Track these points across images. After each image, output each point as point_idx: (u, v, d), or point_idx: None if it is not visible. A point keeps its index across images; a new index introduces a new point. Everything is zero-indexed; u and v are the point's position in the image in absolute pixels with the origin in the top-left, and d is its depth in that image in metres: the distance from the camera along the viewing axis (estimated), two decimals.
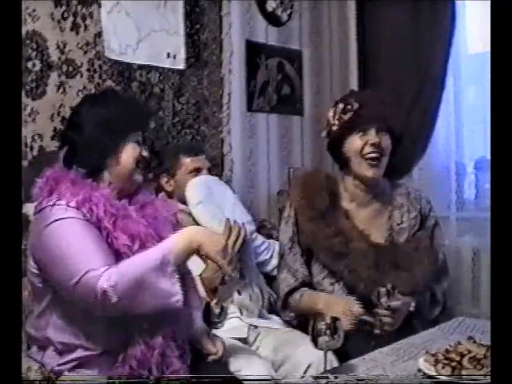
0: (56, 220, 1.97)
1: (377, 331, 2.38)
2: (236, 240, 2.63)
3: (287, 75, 4.19)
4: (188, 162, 3.04)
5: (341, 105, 2.67)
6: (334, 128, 2.67)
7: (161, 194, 2.96)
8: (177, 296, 1.93)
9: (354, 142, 2.61)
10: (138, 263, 1.93)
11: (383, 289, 2.38)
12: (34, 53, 2.92)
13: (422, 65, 4.04)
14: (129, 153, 2.14)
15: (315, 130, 4.14)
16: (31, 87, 2.91)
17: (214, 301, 2.36)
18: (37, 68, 2.94)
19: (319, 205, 2.63)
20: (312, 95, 4.35)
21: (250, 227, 2.87)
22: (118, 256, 1.99)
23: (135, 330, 1.99)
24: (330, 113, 2.70)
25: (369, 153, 2.59)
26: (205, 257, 2.05)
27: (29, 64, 2.90)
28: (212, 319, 2.25)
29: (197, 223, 2.76)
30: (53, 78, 3.00)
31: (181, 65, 3.56)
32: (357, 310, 2.42)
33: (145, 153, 2.18)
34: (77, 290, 1.90)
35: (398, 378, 1.89)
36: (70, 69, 3.06)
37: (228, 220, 2.70)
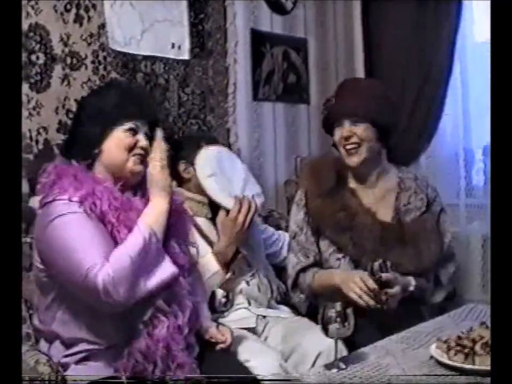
0: (60, 216, 1.95)
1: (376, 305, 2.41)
2: (247, 214, 2.65)
3: (292, 64, 4.17)
4: None
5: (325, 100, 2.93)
6: (323, 120, 2.89)
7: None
8: (171, 269, 1.97)
9: (335, 134, 2.72)
10: (124, 251, 1.92)
11: (376, 264, 2.41)
12: (37, 46, 2.90)
13: (428, 52, 4.01)
14: (115, 142, 2.10)
15: (321, 118, 4.10)
16: (35, 80, 2.89)
17: (229, 274, 2.39)
18: (41, 60, 2.92)
19: (326, 183, 2.71)
20: (318, 83, 4.32)
21: (260, 199, 2.84)
22: None
23: (139, 322, 1.98)
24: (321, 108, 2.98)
25: (344, 144, 2.67)
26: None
27: (33, 57, 2.88)
28: (218, 308, 2.24)
29: (208, 197, 2.76)
30: (57, 70, 2.98)
31: (185, 56, 3.54)
32: (371, 285, 2.40)
33: (143, 143, 2.13)
34: (81, 289, 1.90)
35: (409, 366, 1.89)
36: (74, 61, 3.05)
37: (236, 196, 2.70)
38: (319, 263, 2.74)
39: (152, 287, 1.93)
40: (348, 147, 2.66)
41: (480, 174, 4.26)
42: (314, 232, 2.74)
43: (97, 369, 2.00)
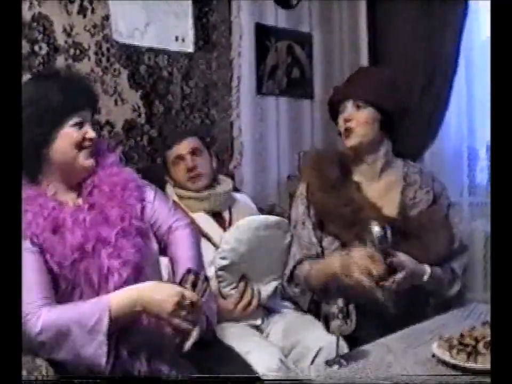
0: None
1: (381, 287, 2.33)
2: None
3: (297, 58, 4.15)
4: (169, 154, 2.91)
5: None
6: (328, 109, 2.84)
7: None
8: (101, 363, 1.82)
9: (339, 120, 2.70)
10: (70, 315, 1.83)
11: (376, 230, 2.32)
12: (40, 36, 2.88)
13: (433, 48, 3.99)
14: (62, 140, 1.99)
15: (325, 113, 4.05)
16: (38, 70, 2.86)
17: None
18: (44, 51, 2.90)
19: (329, 175, 2.65)
20: (323, 78, 4.31)
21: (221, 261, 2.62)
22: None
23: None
24: None
25: (345, 126, 2.65)
26: None
27: (36, 48, 2.86)
28: None
29: None
30: (60, 61, 2.96)
31: (189, 49, 3.52)
32: (374, 267, 2.30)
33: (91, 134, 2.02)
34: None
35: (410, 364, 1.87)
36: (77, 52, 3.03)
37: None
38: (321, 258, 2.66)
39: (71, 364, 1.84)
40: (347, 127, 2.63)
41: (483, 172, 4.25)
42: (316, 226, 2.69)
43: None
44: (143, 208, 2.13)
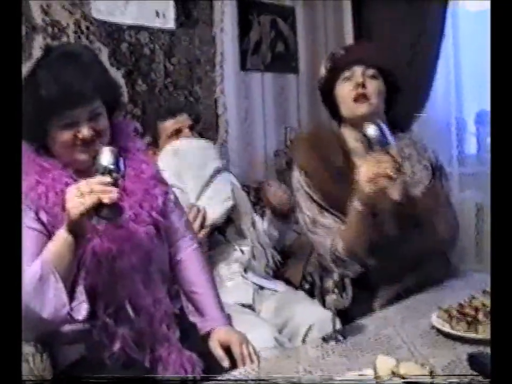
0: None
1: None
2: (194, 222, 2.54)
3: (280, 32, 4.10)
4: (166, 126, 2.88)
5: (330, 54, 2.57)
6: (323, 76, 2.56)
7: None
8: (64, 302, 1.77)
9: (342, 87, 2.46)
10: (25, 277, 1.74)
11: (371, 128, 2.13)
12: None
13: (418, 19, 3.95)
14: (53, 139, 1.88)
15: (311, 88, 4.07)
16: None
17: None
18: (22, 31, 2.82)
19: (335, 163, 2.43)
20: (307, 52, 4.26)
21: (225, 204, 2.72)
22: None
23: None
24: (322, 65, 2.58)
25: (356, 92, 2.41)
26: None
27: None
28: None
29: None
30: (38, 40, 2.90)
31: (170, 25, 3.46)
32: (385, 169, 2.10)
33: (83, 134, 1.86)
34: None
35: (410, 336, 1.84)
36: (56, 30, 2.95)
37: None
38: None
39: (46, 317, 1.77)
40: (361, 93, 2.39)
41: (472, 142, 4.22)
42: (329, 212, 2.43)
43: None
44: (164, 204, 2.06)
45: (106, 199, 1.67)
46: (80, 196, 1.67)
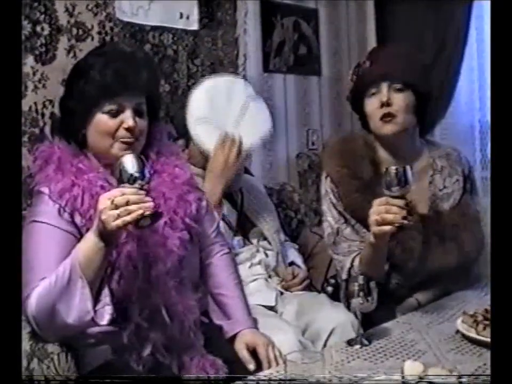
0: (35, 221, 1.85)
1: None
2: (230, 150, 2.59)
3: (303, 35, 4.08)
4: None
5: (356, 65, 2.50)
6: (350, 88, 2.50)
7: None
8: (88, 309, 1.77)
9: (369, 102, 2.39)
10: (49, 282, 1.77)
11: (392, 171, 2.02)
12: (42, 16, 2.81)
13: (443, 21, 3.93)
14: (96, 127, 1.92)
15: (333, 90, 4.07)
16: (40, 51, 2.80)
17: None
18: (46, 31, 2.83)
19: (363, 174, 2.37)
20: (330, 54, 4.24)
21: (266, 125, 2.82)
22: None
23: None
24: (348, 76, 2.52)
25: (380, 112, 2.34)
26: None
27: (38, 28, 2.80)
28: None
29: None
30: (63, 41, 2.90)
31: (194, 26, 3.45)
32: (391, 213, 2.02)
33: (128, 123, 1.90)
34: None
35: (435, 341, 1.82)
36: (80, 32, 2.96)
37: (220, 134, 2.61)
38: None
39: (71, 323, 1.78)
40: (384, 112, 2.32)
41: None
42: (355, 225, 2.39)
43: None
44: (197, 211, 2.06)
45: (147, 211, 1.68)
46: (114, 207, 1.67)
